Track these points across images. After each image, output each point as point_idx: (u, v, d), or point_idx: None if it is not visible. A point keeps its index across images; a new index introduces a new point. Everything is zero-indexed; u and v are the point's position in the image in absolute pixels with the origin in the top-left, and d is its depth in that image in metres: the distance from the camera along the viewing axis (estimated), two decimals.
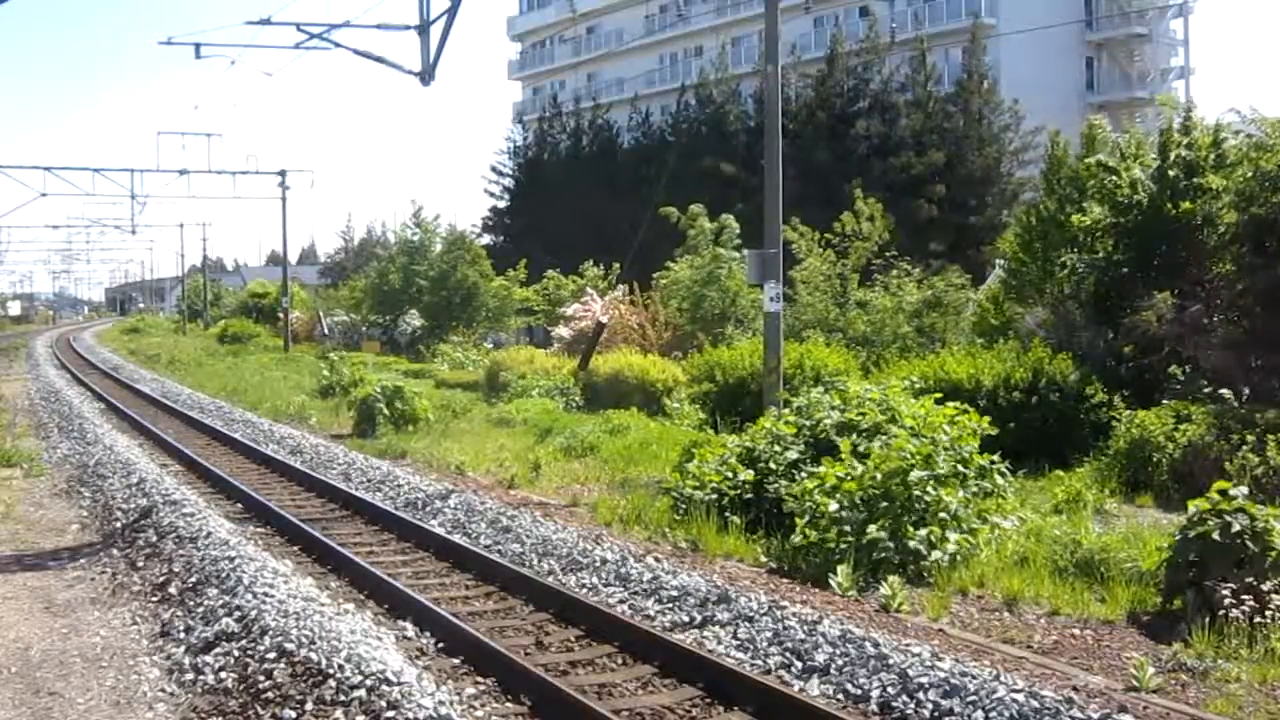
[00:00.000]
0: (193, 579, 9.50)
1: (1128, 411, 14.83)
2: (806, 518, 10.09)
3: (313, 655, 7.10)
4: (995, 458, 11.28)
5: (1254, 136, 16.36)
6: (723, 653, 7.68)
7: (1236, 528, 8.05)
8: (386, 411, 20.00)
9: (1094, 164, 19.20)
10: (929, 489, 9.94)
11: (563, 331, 32.61)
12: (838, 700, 6.81)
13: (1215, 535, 8.10)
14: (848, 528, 9.72)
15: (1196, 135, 18.08)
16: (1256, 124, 16.42)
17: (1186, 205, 17.26)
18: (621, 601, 9.02)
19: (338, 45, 19.00)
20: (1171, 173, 17.78)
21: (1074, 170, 20.55)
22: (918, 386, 13.63)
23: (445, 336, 41.63)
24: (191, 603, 8.93)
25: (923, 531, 9.69)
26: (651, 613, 8.67)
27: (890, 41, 48.20)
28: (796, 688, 6.99)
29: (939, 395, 12.34)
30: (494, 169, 64.34)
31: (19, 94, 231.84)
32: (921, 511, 9.86)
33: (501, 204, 63.46)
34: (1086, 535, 10.04)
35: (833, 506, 9.89)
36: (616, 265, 35.27)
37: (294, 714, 6.48)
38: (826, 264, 26.58)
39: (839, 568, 9.32)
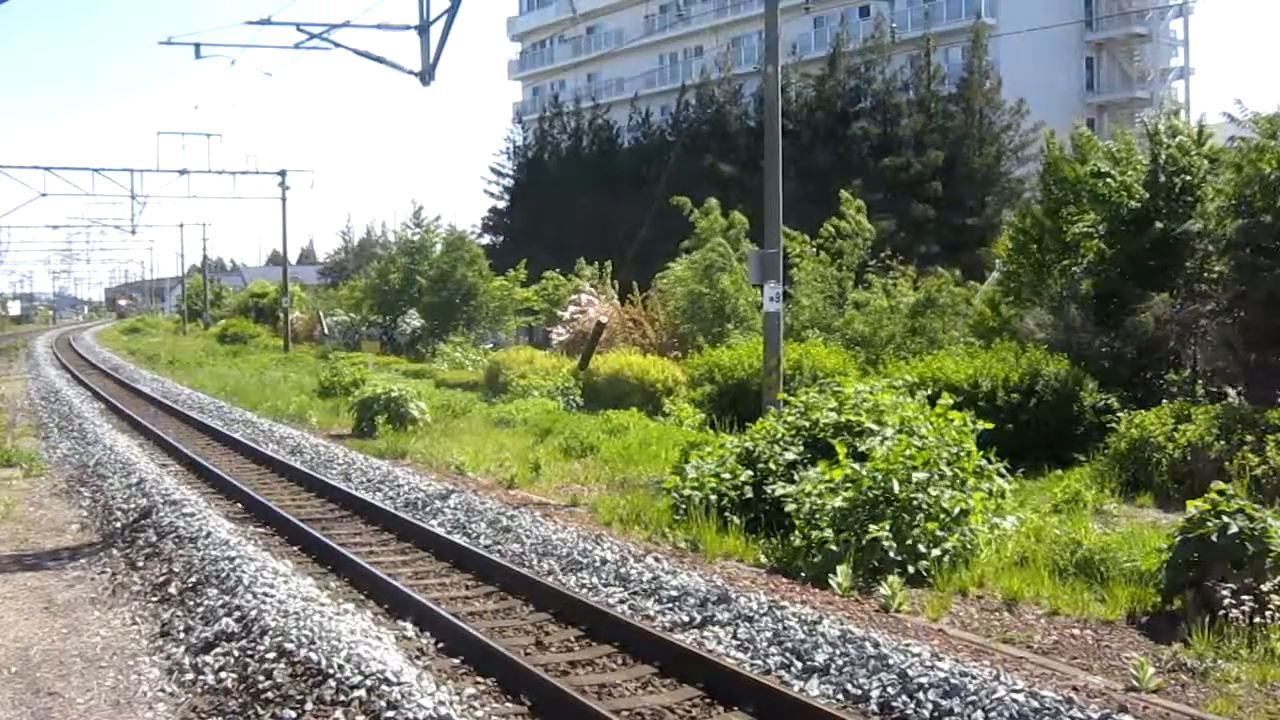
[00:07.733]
0: (193, 579, 9.50)
1: (1127, 412, 14.83)
2: (805, 517, 10.09)
3: (312, 655, 7.10)
4: (994, 457, 11.28)
5: (1249, 139, 16.30)
6: (722, 653, 7.68)
7: (1236, 528, 8.04)
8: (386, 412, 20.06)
9: (1088, 171, 19.18)
10: (928, 489, 9.94)
11: (562, 331, 32.61)
12: (838, 700, 6.80)
13: (1215, 535, 8.10)
14: (847, 528, 9.72)
15: (1185, 139, 18.06)
16: (1252, 123, 16.35)
17: (1179, 210, 17.26)
18: (621, 601, 9.01)
19: (338, 45, 19.04)
20: (1162, 177, 17.78)
21: (1067, 174, 20.55)
22: (913, 385, 13.61)
23: (445, 337, 41.64)
24: (191, 603, 8.94)
25: (922, 531, 9.69)
26: (651, 613, 8.67)
27: (892, 41, 48.22)
28: (796, 688, 6.99)
29: (932, 394, 12.33)
30: (494, 169, 64.53)
31: (19, 94, 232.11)
32: (921, 512, 9.85)
33: (501, 204, 63.56)
34: (1086, 535, 10.03)
35: (834, 505, 9.89)
36: (609, 264, 35.23)
37: (294, 714, 6.48)
38: (822, 264, 26.58)
39: (839, 568, 9.31)
